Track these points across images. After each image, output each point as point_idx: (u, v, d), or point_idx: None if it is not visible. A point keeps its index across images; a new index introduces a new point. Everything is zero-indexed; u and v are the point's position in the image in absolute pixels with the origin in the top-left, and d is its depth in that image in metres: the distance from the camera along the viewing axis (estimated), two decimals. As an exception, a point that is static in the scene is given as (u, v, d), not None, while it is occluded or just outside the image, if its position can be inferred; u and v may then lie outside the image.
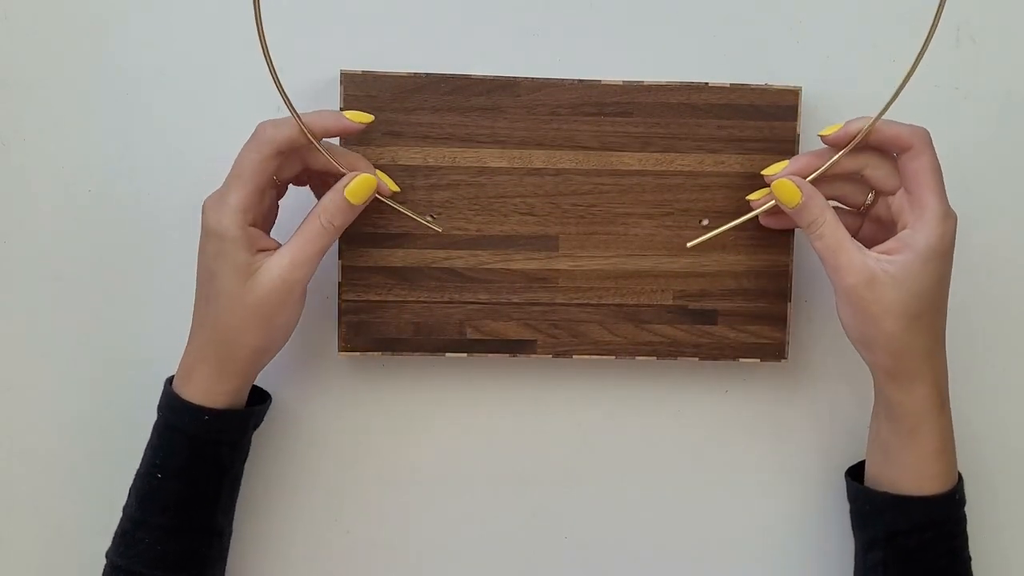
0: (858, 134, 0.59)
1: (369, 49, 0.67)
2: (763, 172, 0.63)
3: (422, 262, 0.65)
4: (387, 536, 0.70)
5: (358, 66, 0.65)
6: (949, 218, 0.58)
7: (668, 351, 0.67)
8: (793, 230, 0.66)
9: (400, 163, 0.64)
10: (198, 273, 0.60)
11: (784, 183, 0.60)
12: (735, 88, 0.65)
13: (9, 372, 0.68)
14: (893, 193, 0.61)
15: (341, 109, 0.64)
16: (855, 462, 0.68)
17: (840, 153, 0.60)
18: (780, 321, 0.67)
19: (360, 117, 0.60)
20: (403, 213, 0.64)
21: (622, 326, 0.66)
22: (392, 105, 0.64)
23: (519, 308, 0.66)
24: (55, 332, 0.68)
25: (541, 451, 0.70)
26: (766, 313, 0.66)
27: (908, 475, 0.61)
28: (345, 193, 0.59)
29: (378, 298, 0.65)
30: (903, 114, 0.69)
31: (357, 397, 0.69)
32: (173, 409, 0.60)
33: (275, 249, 0.59)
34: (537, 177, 0.65)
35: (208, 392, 0.59)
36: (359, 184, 0.59)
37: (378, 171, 0.62)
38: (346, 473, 0.69)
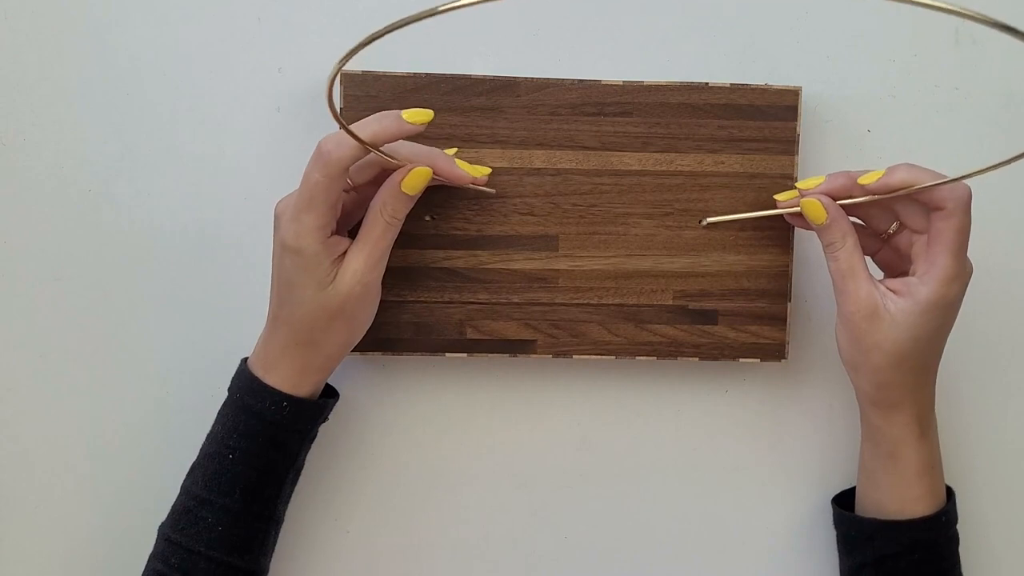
0: (899, 190, 0.58)
1: (368, 49, 0.66)
2: (797, 184, 0.63)
3: (422, 262, 0.65)
4: (387, 536, 0.70)
5: (358, 66, 0.65)
6: (958, 279, 0.58)
7: (668, 351, 0.67)
8: (793, 228, 0.66)
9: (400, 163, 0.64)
10: (274, 278, 0.60)
11: (813, 203, 0.60)
12: (735, 88, 0.65)
13: (9, 372, 0.68)
14: (919, 233, 0.60)
15: (340, 110, 0.64)
16: (854, 462, 0.68)
17: (875, 198, 0.60)
18: (780, 321, 0.67)
19: (419, 117, 0.58)
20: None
21: (622, 326, 0.66)
22: (392, 105, 0.64)
23: (519, 308, 0.66)
24: (55, 332, 0.68)
25: (541, 451, 0.70)
26: (766, 313, 0.66)
27: (890, 498, 0.62)
28: (402, 187, 0.59)
29: (378, 298, 0.65)
30: (903, 114, 0.69)
31: (357, 397, 0.69)
32: (253, 393, 0.60)
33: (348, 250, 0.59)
34: (537, 177, 0.65)
35: (292, 383, 0.60)
36: (414, 177, 0.59)
37: (457, 160, 0.62)
38: (346, 473, 0.69)
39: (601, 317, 0.66)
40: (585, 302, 0.66)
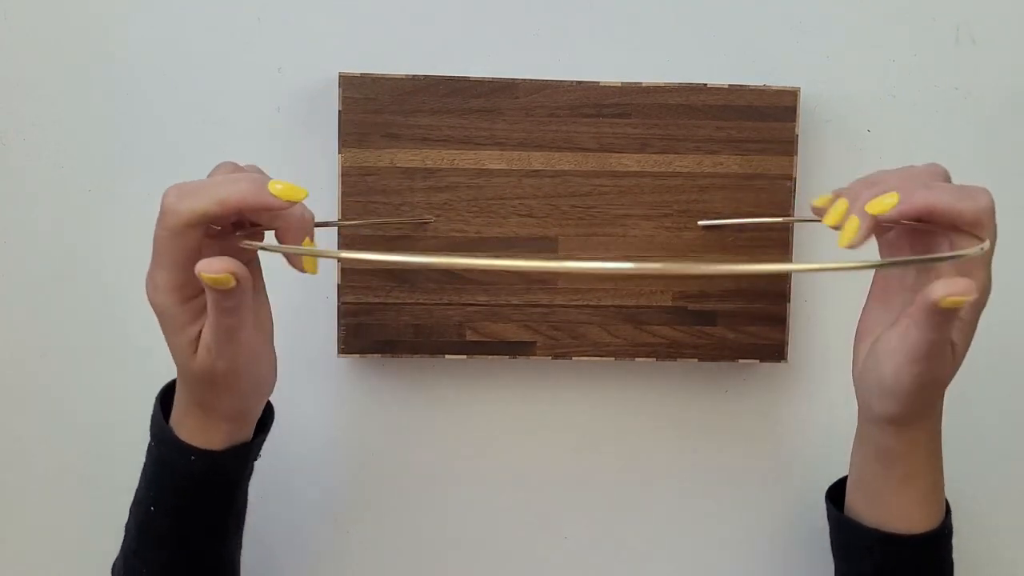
0: (921, 214, 0.51)
1: (367, 51, 0.66)
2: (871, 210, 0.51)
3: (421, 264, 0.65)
4: (387, 536, 0.70)
5: (356, 68, 0.65)
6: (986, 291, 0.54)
7: (667, 352, 0.67)
8: (793, 228, 0.66)
9: (399, 165, 0.64)
10: None
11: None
12: (733, 89, 0.65)
13: (9, 372, 0.68)
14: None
15: (340, 111, 0.64)
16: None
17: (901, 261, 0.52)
18: (780, 322, 0.67)
19: (290, 194, 0.48)
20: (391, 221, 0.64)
21: (621, 327, 0.66)
22: (391, 107, 0.64)
23: (518, 310, 0.66)
24: (55, 332, 0.68)
25: (541, 452, 0.70)
26: (766, 314, 0.66)
27: (898, 517, 0.59)
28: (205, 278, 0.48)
29: (377, 300, 0.65)
30: (903, 114, 0.69)
31: (357, 399, 0.69)
32: (163, 443, 0.56)
33: None
34: (536, 179, 0.65)
35: (201, 433, 0.55)
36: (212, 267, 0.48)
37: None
38: (345, 474, 0.69)
39: (600, 318, 0.66)
40: (584, 303, 0.66)
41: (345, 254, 0.40)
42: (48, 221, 0.67)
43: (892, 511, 0.59)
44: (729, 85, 0.65)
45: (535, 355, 0.66)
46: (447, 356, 0.66)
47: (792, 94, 0.65)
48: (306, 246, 0.52)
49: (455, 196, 0.65)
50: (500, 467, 0.70)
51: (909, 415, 0.55)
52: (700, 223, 0.66)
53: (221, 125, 0.67)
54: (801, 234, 0.66)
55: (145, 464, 0.57)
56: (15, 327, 0.68)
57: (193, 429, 0.55)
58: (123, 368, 0.68)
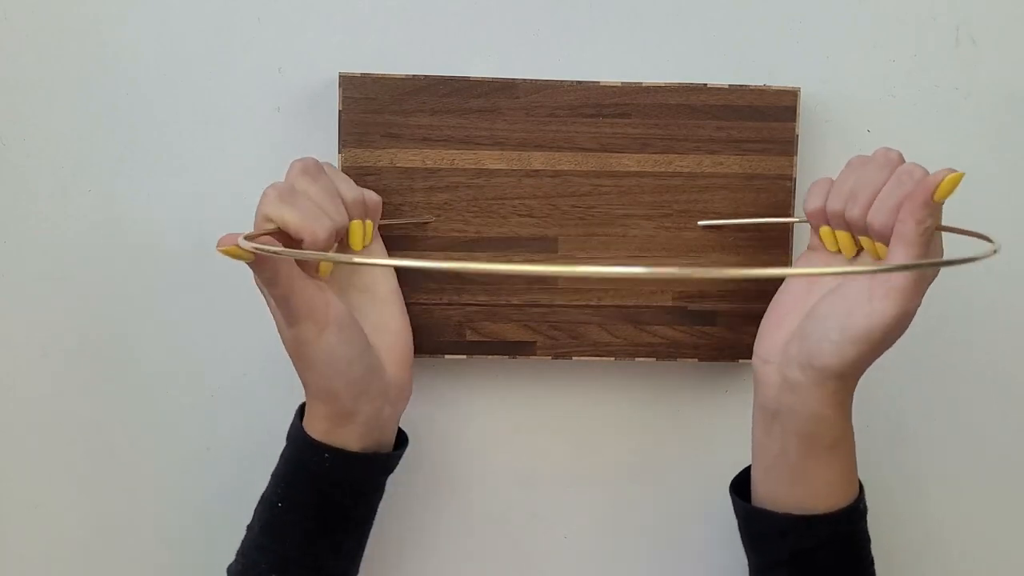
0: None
1: (367, 51, 0.66)
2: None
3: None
4: (386, 536, 0.70)
5: (356, 68, 0.65)
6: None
7: (667, 352, 0.67)
8: (792, 228, 0.66)
9: (399, 165, 0.64)
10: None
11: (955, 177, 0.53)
12: (734, 89, 0.65)
13: (9, 372, 0.68)
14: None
15: (340, 111, 0.64)
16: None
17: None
18: (779, 322, 0.67)
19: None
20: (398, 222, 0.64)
21: (621, 327, 0.66)
22: (390, 107, 0.64)
23: (518, 310, 0.66)
24: (55, 332, 0.68)
25: (541, 452, 0.70)
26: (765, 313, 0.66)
27: (819, 493, 0.59)
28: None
29: (377, 300, 0.65)
30: (903, 114, 0.69)
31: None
32: (297, 443, 0.59)
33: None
34: (536, 179, 0.65)
35: (330, 434, 0.58)
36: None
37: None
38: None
39: (600, 318, 0.66)
40: (584, 303, 0.66)
41: (359, 260, 0.40)
42: (48, 221, 0.67)
43: (815, 486, 0.59)
44: (729, 85, 0.65)
45: (535, 355, 0.66)
46: (447, 356, 0.66)
47: (792, 94, 0.65)
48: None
49: (455, 196, 0.65)
50: (500, 467, 0.70)
51: (859, 365, 0.56)
52: (700, 223, 0.66)
53: (221, 125, 0.67)
54: (801, 234, 0.66)
55: (276, 467, 0.60)
56: (15, 327, 0.68)
57: (321, 428, 0.58)
58: (123, 367, 0.68)
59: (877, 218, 0.55)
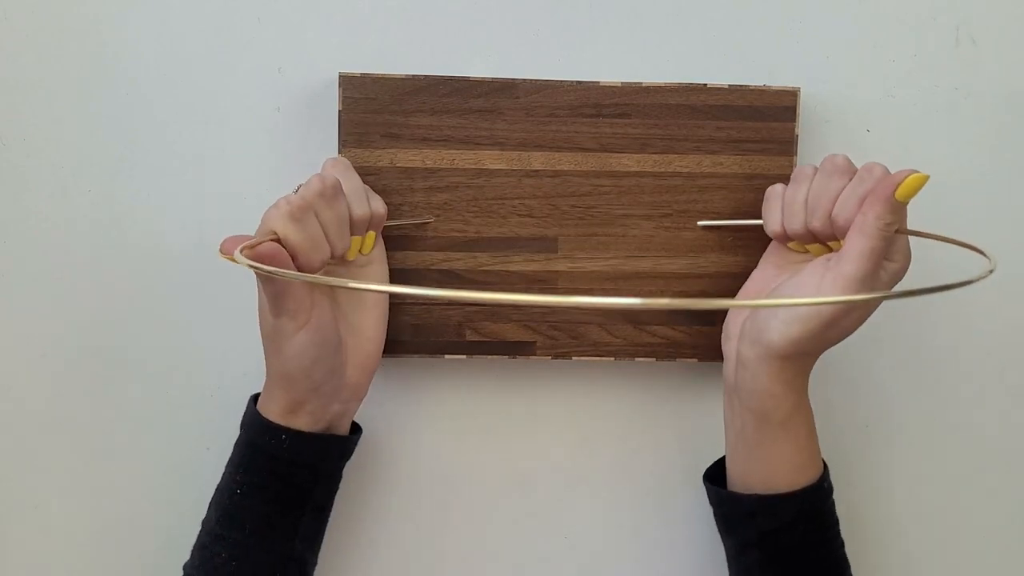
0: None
1: (367, 51, 0.66)
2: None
3: (421, 264, 0.65)
4: (386, 537, 0.70)
5: (356, 68, 0.65)
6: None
7: (667, 352, 0.67)
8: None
9: (399, 165, 0.64)
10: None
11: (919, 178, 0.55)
12: (733, 89, 0.65)
13: (8, 372, 0.68)
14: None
15: (340, 111, 0.64)
16: (853, 461, 0.68)
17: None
18: (779, 322, 0.66)
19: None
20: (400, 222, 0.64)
21: (621, 327, 0.66)
22: (390, 107, 0.64)
23: (518, 310, 0.66)
24: (55, 332, 0.68)
25: (540, 452, 0.70)
26: (765, 314, 0.66)
27: (781, 470, 0.61)
28: None
29: (377, 300, 0.65)
30: (903, 114, 0.69)
31: (356, 398, 0.69)
32: (254, 427, 0.60)
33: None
34: (536, 179, 0.65)
35: (288, 416, 0.59)
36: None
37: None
38: (345, 474, 0.69)
39: (600, 318, 0.66)
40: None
41: (354, 285, 0.40)
42: (48, 221, 0.67)
43: (773, 463, 0.61)
44: (729, 85, 0.65)
45: (535, 355, 0.66)
46: (447, 356, 0.66)
47: (792, 94, 0.65)
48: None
49: (455, 196, 0.65)
50: (500, 467, 0.70)
51: (802, 344, 0.57)
52: (699, 223, 0.66)
53: (221, 125, 0.67)
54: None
55: (231, 457, 0.61)
56: (15, 327, 0.68)
57: (279, 410, 0.59)
58: (123, 367, 0.68)
59: (841, 215, 0.57)
